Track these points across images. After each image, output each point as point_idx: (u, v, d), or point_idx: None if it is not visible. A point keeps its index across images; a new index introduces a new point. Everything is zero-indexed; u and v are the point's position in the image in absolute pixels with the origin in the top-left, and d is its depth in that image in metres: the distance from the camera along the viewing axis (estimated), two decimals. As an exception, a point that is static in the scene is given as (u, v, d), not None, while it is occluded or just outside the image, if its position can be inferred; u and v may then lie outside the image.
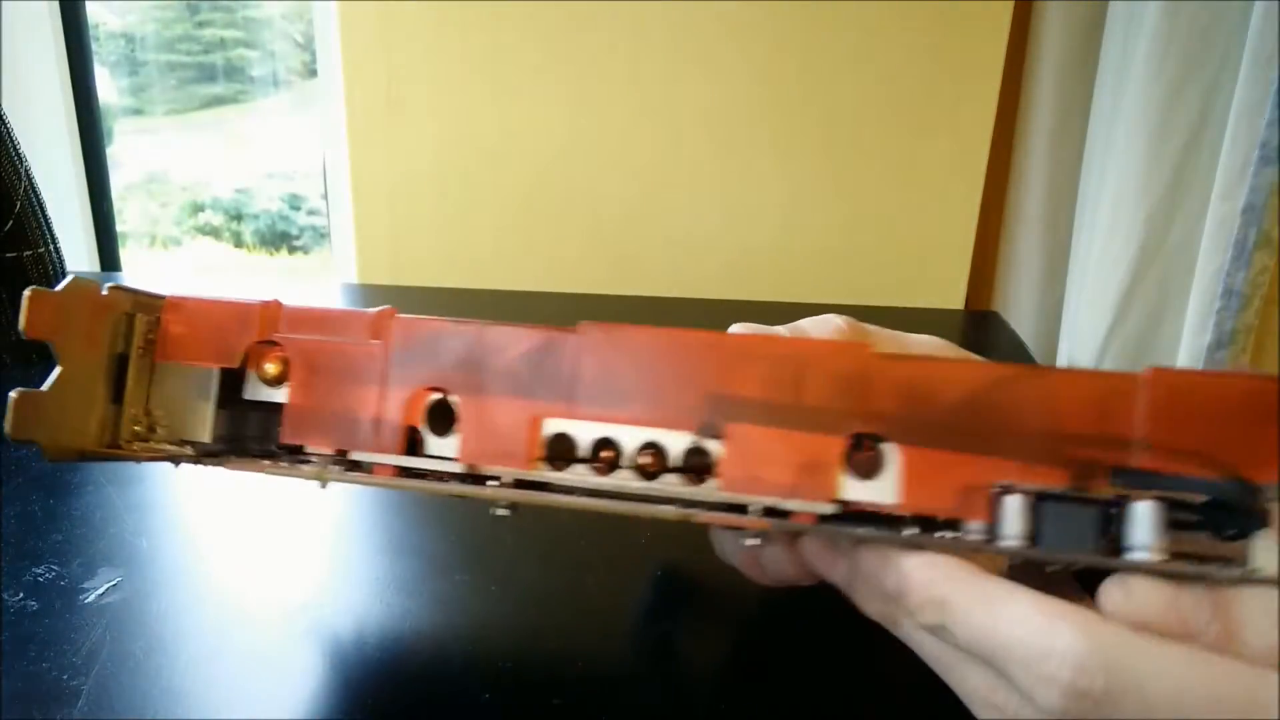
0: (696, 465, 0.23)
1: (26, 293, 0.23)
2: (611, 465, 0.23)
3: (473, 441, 0.23)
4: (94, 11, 0.94)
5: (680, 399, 0.22)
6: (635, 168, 0.81)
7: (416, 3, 0.76)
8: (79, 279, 0.24)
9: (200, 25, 1.25)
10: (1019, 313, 0.81)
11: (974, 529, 0.21)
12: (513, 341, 0.23)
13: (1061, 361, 0.72)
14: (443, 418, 0.24)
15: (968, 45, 0.75)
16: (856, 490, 0.22)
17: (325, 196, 0.94)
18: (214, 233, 1.40)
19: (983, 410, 0.21)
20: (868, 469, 0.22)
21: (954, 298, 0.82)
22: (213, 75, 1.27)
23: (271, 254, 1.36)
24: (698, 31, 0.77)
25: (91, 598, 0.30)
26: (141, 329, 0.25)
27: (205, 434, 0.26)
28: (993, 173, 0.79)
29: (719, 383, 0.22)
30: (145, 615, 0.30)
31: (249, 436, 0.26)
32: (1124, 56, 0.67)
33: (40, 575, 0.32)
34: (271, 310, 0.25)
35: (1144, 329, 0.69)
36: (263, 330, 0.25)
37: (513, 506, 0.24)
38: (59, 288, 0.24)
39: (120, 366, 0.25)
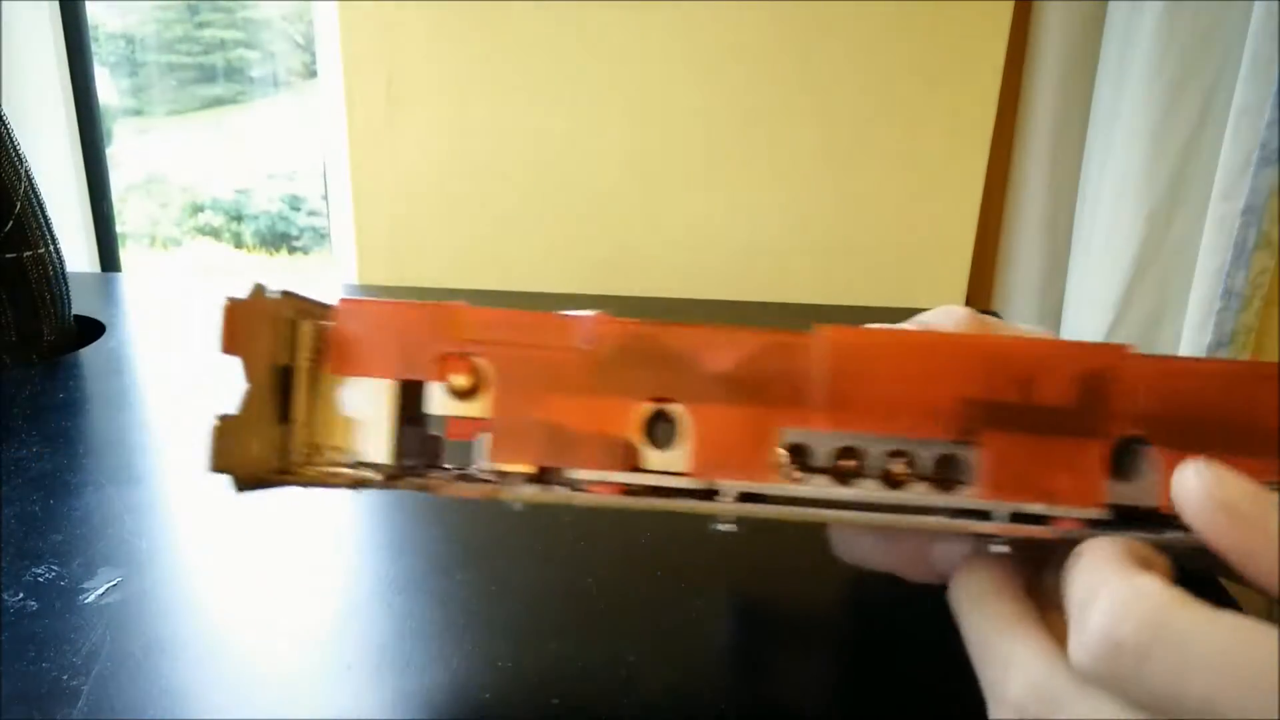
0: (947, 473, 0.22)
1: (224, 303, 0.20)
2: (853, 474, 0.22)
3: (704, 453, 0.22)
4: (94, 12, 0.94)
5: (932, 405, 0.21)
6: (635, 167, 0.81)
7: (416, 3, 0.76)
8: (259, 284, 0.22)
9: (200, 26, 1.25)
10: (1019, 313, 0.81)
11: None
12: (740, 345, 0.22)
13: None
14: (662, 429, 0.22)
15: (968, 45, 0.75)
16: (1119, 494, 0.21)
17: (325, 197, 0.94)
18: (214, 233, 1.40)
19: (1242, 408, 0.21)
20: (1125, 471, 0.21)
21: (954, 297, 0.82)
22: (213, 76, 1.27)
23: (271, 254, 1.36)
24: (698, 32, 0.77)
25: (91, 598, 0.30)
26: (308, 339, 0.23)
27: (384, 454, 0.23)
28: (993, 173, 0.79)
29: (977, 387, 0.21)
30: (145, 615, 0.30)
31: (427, 454, 0.24)
32: (1124, 56, 0.67)
33: (40, 575, 0.32)
34: (462, 314, 0.22)
35: (1144, 329, 0.69)
36: (454, 337, 0.22)
37: (740, 522, 0.22)
38: (246, 295, 0.21)
39: (285, 381, 0.23)
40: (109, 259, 0.98)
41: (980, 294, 0.84)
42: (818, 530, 0.31)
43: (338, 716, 0.26)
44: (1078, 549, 0.20)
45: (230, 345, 0.21)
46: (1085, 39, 0.72)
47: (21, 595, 0.30)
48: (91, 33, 0.93)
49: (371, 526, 0.38)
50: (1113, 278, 0.69)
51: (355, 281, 0.84)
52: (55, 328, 0.54)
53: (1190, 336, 0.64)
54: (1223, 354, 0.63)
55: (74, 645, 0.28)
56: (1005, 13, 0.74)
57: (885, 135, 0.78)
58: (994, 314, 0.78)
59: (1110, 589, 0.18)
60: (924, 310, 0.29)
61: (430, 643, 0.29)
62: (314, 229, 1.34)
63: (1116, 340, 0.77)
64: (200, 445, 0.20)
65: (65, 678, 0.27)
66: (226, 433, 0.20)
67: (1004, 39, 0.75)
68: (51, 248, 0.53)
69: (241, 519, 0.37)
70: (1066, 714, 0.19)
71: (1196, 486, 0.19)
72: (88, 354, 0.55)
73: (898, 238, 0.81)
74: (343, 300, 0.23)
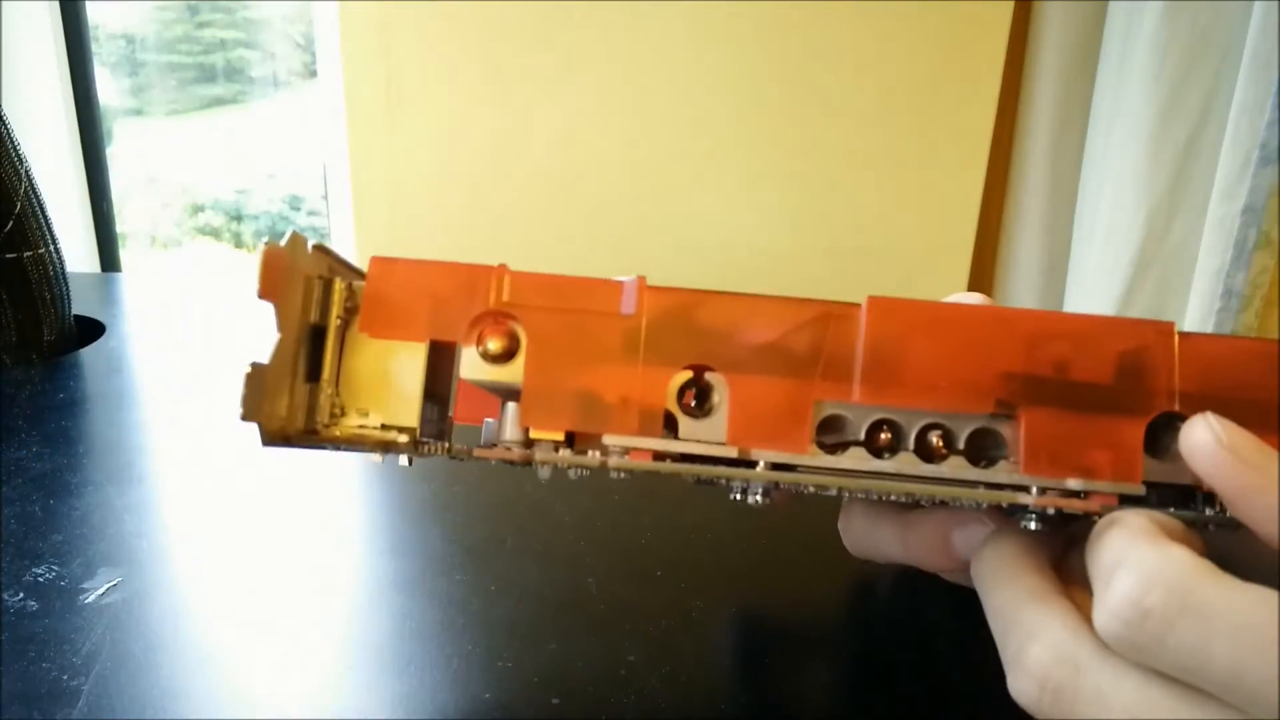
0: (985, 447, 0.22)
1: (263, 247, 0.20)
2: (889, 449, 0.22)
3: (741, 423, 0.21)
4: (94, 12, 0.94)
5: (974, 378, 0.21)
6: (635, 167, 0.81)
7: (416, 3, 0.76)
8: (297, 234, 0.21)
9: (200, 26, 1.25)
10: (1019, 313, 0.81)
11: None
12: (784, 315, 0.22)
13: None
14: (699, 398, 0.22)
15: (968, 45, 0.75)
16: (1156, 471, 0.21)
17: (325, 197, 0.94)
18: (214, 233, 1.40)
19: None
20: (1161, 449, 0.21)
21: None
22: (213, 76, 1.27)
23: (271, 254, 1.35)
24: (698, 33, 0.77)
25: (91, 598, 0.30)
26: (340, 297, 0.22)
27: (413, 418, 0.22)
28: (993, 173, 0.79)
29: (1016, 362, 0.21)
30: (145, 615, 0.30)
31: (439, 419, 0.23)
32: (1124, 56, 0.67)
33: (40, 575, 0.32)
34: (501, 275, 0.22)
35: (1144, 329, 0.69)
36: (493, 299, 0.22)
37: (770, 492, 0.22)
38: (285, 242, 0.20)
39: (316, 339, 0.22)
40: (109, 259, 0.98)
41: (980, 293, 0.84)
42: (821, 528, 0.31)
43: (338, 716, 0.26)
44: (1106, 518, 0.20)
45: (266, 291, 0.20)
46: (1085, 39, 0.72)
47: (21, 595, 0.30)
48: (91, 33, 0.93)
49: (371, 526, 0.38)
50: (1113, 278, 0.69)
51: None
52: (55, 328, 0.54)
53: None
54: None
55: (74, 645, 0.28)
56: (1005, 13, 0.74)
57: (885, 135, 0.78)
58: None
59: (1139, 555, 0.18)
60: None
61: (430, 643, 0.29)
62: (314, 229, 1.34)
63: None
64: (231, 398, 0.19)
65: (65, 678, 0.27)
66: (256, 381, 0.19)
67: (1004, 39, 0.75)
68: (51, 248, 0.53)
69: (241, 519, 0.37)
70: (1088, 682, 0.19)
71: (1205, 433, 0.20)
72: (88, 354, 0.55)
73: (898, 238, 0.81)
74: (375, 259, 0.22)
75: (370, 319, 0.22)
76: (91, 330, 0.59)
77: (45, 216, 0.53)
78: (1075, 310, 0.75)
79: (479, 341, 0.22)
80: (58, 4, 0.89)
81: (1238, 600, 0.17)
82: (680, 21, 0.76)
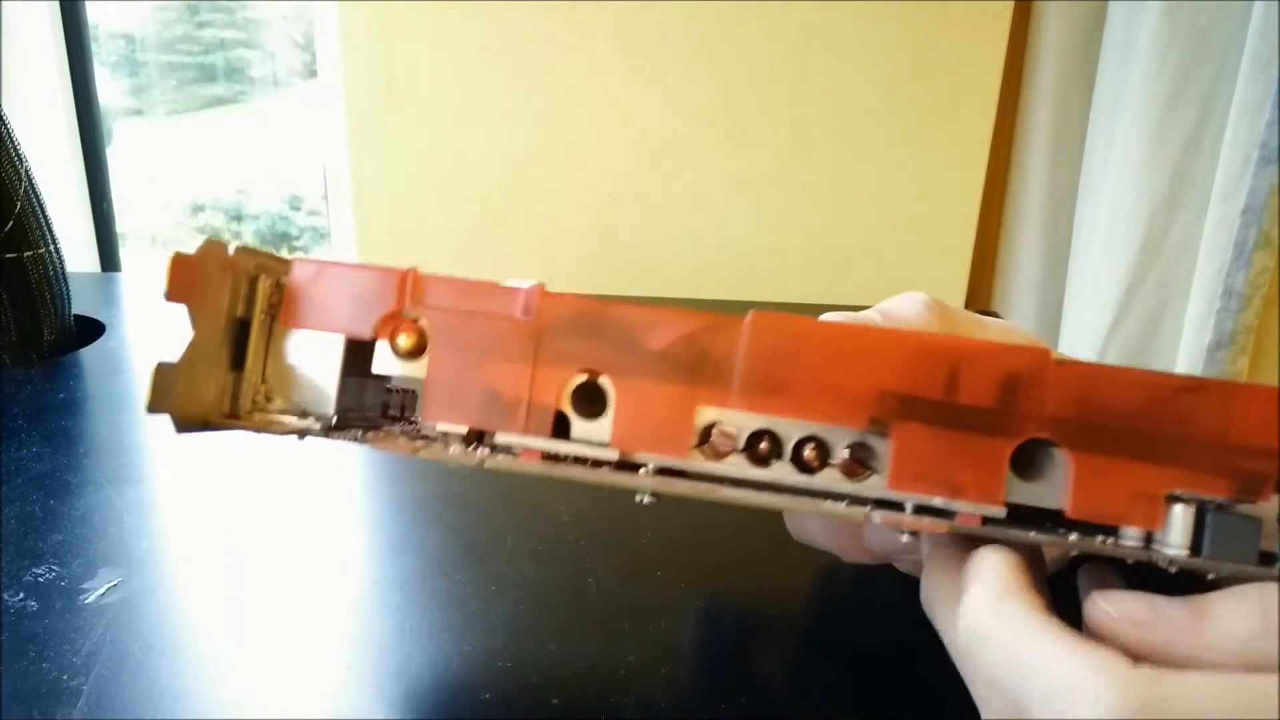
0: (859, 461, 0.22)
1: (170, 255, 0.22)
2: (768, 457, 0.23)
3: (625, 426, 0.22)
4: (94, 12, 0.94)
5: (849, 393, 0.22)
6: (634, 167, 0.81)
7: (416, 3, 0.76)
8: (212, 240, 0.23)
9: (200, 26, 1.25)
10: (1019, 313, 0.81)
11: (1132, 535, 0.22)
12: (673, 325, 0.22)
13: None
14: (592, 400, 0.23)
15: (968, 45, 0.75)
16: (1022, 493, 0.22)
17: (325, 196, 0.94)
18: (214, 233, 1.40)
19: (1155, 419, 0.21)
20: (1032, 472, 0.22)
21: (954, 297, 0.82)
22: (213, 76, 1.27)
23: (271, 254, 1.35)
24: (698, 33, 0.77)
25: (91, 598, 0.30)
26: (265, 292, 0.24)
27: (329, 406, 0.24)
28: (993, 173, 0.79)
29: (891, 380, 0.22)
30: (145, 615, 0.30)
31: (370, 409, 0.25)
32: (1124, 56, 0.67)
33: (40, 575, 0.32)
34: (410, 278, 0.23)
35: (1144, 329, 0.69)
36: (401, 300, 0.23)
37: (657, 495, 0.23)
38: (196, 250, 0.22)
39: (241, 331, 0.24)
40: (109, 259, 0.98)
41: (980, 294, 0.84)
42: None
43: (338, 716, 0.26)
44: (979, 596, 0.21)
45: (174, 294, 0.22)
46: (1085, 39, 0.72)
47: (21, 595, 0.30)
48: (91, 33, 0.93)
49: (371, 526, 0.38)
50: (1113, 278, 0.69)
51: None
52: (55, 328, 0.54)
53: (1190, 336, 0.64)
54: (1222, 354, 0.63)
55: (74, 645, 0.28)
56: (1005, 13, 0.74)
57: (885, 136, 0.78)
58: (993, 313, 0.78)
59: (1097, 680, 0.18)
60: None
61: (430, 643, 0.29)
62: (314, 228, 1.34)
63: (1115, 340, 0.77)
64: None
65: (65, 678, 0.27)
66: (164, 377, 0.22)
67: (1004, 39, 0.75)
68: (51, 248, 0.53)
69: (241, 519, 0.37)
70: (1176, 706, 0.18)
71: (1099, 615, 0.21)
72: (88, 354, 0.55)
73: (898, 238, 0.81)
74: (296, 260, 0.24)
75: (290, 313, 0.24)
76: (91, 330, 0.59)
77: (45, 216, 0.53)
78: (1074, 312, 0.75)
79: (390, 338, 0.23)
80: (58, 4, 0.89)
81: (1206, 697, 0.18)
82: (680, 22, 0.76)
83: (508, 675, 0.28)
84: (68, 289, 0.56)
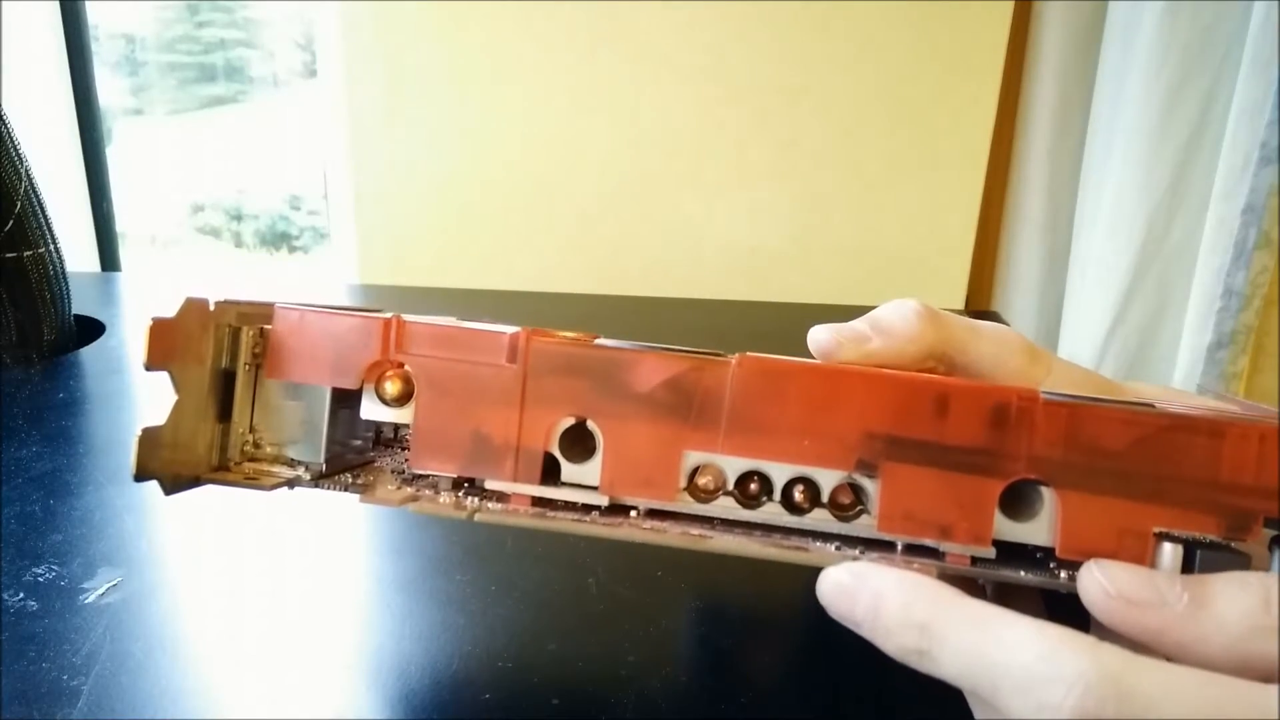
0: (848, 502, 0.23)
1: (148, 324, 0.21)
2: (758, 497, 0.23)
3: (614, 469, 0.22)
4: (94, 12, 0.94)
5: (837, 435, 0.22)
6: (635, 167, 0.81)
7: (416, 3, 0.76)
8: (191, 300, 0.23)
9: (200, 26, 1.25)
10: (1019, 313, 0.81)
11: None
12: (658, 367, 0.22)
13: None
14: (581, 442, 0.23)
15: (968, 45, 0.75)
16: (1012, 532, 0.22)
17: (325, 196, 0.94)
18: (214, 233, 1.40)
19: (1144, 457, 0.21)
20: (1021, 510, 0.22)
21: (954, 298, 0.82)
22: (213, 75, 1.27)
23: (271, 254, 1.36)
24: (698, 33, 0.77)
25: (91, 598, 0.30)
26: (249, 343, 0.24)
27: (318, 455, 0.24)
28: (993, 173, 0.79)
29: (879, 421, 0.22)
30: (145, 615, 0.30)
31: (363, 435, 0.25)
32: (1124, 56, 0.67)
33: (40, 575, 0.32)
34: (394, 326, 0.23)
35: (1144, 329, 0.69)
36: (385, 348, 0.23)
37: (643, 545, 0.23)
38: (176, 312, 0.22)
39: (226, 382, 0.24)
40: (109, 259, 0.98)
41: (980, 294, 0.84)
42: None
43: (338, 716, 0.26)
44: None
45: (154, 361, 0.22)
46: (1085, 39, 0.72)
47: (21, 595, 0.30)
48: (91, 32, 0.93)
49: (371, 526, 0.38)
50: (1113, 278, 0.69)
51: (356, 281, 0.84)
52: (55, 328, 0.54)
53: (1190, 336, 0.64)
54: (1223, 354, 0.63)
55: (74, 645, 0.28)
56: (1005, 13, 0.74)
57: (885, 136, 0.78)
58: (994, 314, 0.78)
59: (1070, 664, 0.17)
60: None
61: (430, 643, 0.29)
62: (314, 228, 1.34)
63: (1116, 340, 0.77)
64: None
65: (65, 678, 0.27)
66: (149, 443, 0.22)
67: (1004, 39, 0.75)
68: (51, 247, 0.53)
69: (241, 519, 0.37)
70: (1139, 693, 0.17)
71: (1093, 585, 0.20)
72: (88, 354, 0.55)
73: (898, 238, 0.81)
74: (279, 308, 0.24)
75: (275, 364, 0.24)
76: (91, 330, 0.59)
77: (45, 216, 0.53)
78: (1074, 312, 0.75)
79: (376, 385, 0.23)
80: (58, 4, 0.89)
81: (1177, 688, 0.17)
82: (681, 23, 0.76)
83: (508, 675, 0.28)
84: (68, 289, 0.56)
